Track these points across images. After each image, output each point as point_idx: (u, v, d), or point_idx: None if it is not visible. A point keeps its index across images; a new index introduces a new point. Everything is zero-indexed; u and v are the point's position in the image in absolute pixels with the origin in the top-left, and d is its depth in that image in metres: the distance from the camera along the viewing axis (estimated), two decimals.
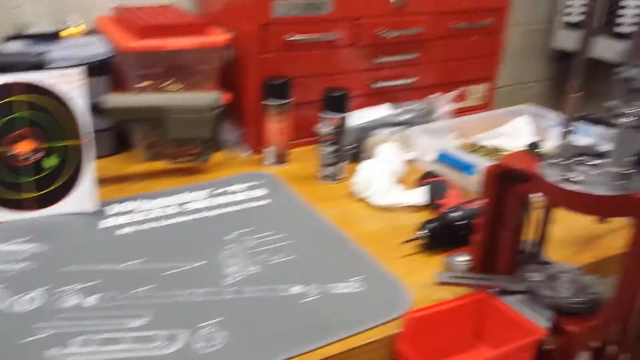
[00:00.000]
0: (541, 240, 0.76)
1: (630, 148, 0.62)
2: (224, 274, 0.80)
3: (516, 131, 1.24)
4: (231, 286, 0.77)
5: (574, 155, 0.67)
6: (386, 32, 1.20)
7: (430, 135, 1.16)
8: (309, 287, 0.77)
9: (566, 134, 0.67)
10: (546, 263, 0.76)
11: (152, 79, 1.08)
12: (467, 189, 1.00)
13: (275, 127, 1.10)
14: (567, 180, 0.64)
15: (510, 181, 0.71)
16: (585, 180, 0.64)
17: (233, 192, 1.02)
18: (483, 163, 1.03)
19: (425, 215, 0.95)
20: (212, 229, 0.91)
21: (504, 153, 1.17)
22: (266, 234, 0.89)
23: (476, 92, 1.39)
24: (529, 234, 0.77)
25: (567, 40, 1.77)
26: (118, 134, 1.15)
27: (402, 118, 1.19)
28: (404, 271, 0.81)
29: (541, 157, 0.70)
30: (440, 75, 1.33)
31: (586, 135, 1.16)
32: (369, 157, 1.12)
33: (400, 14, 1.21)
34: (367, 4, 1.18)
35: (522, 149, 0.74)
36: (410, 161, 1.15)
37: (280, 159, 1.14)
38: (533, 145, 0.73)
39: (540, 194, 0.68)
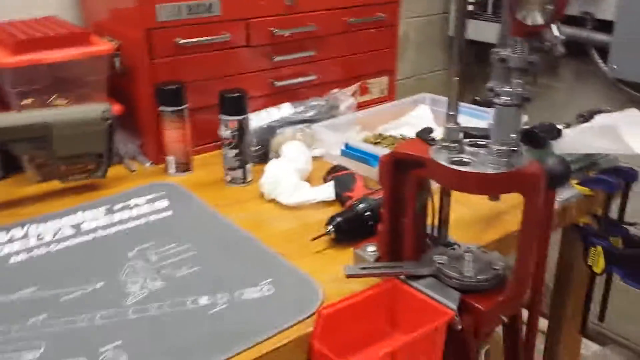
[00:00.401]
0: (443, 222, 0.77)
1: (511, 126, 0.63)
2: (125, 293, 0.75)
3: (418, 119, 1.27)
4: (134, 305, 0.73)
5: (462, 137, 0.69)
6: (280, 31, 1.19)
7: (334, 131, 1.16)
8: (217, 297, 0.74)
9: (452, 117, 0.68)
10: (451, 245, 0.77)
11: (35, 95, 1.01)
12: (374, 180, 1.01)
13: (173, 134, 1.06)
14: (457, 161, 0.65)
15: (405, 168, 0.71)
16: (473, 160, 0.65)
17: (133, 207, 0.97)
18: (383, 151, 1.04)
19: (334, 210, 0.94)
20: (112, 247, 0.86)
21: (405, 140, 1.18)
22: (170, 246, 0.85)
23: (377, 85, 1.41)
24: (433, 218, 0.77)
25: None
26: (5, 156, 1.07)
27: (306, 115, 1.18)
28: (314, 268, 0.80)
29: (433, 142, 0.71)
30: (340, 71, 1.33)
31: (480, 118, 1.20)
32: (275, 157, 1.10)
33: (292, 12, 1.20)
34: (258, 4, 1.16)
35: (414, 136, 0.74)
36: (317, 158, 1.14)
37: (183, 167, 1.10)
38: (425, 131, 0.73)
39: (434, 177, 0.69)
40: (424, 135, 0.73)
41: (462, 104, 1.29)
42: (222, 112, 1.01)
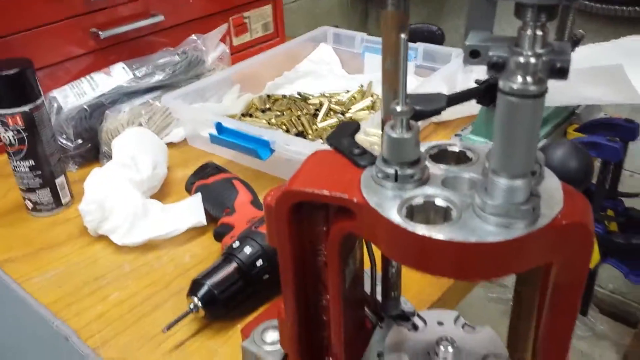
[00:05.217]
0: (393, 282, 0.44)
1: (530, 133, 0.29)
2: None
3: (319, 66, 0.90)
4: None
5: (424, 152, 0.34)
6: None
7: (201, 99, 0.77)
8: None
9: (400, 113, 0.32)
10: (407, 316, 0.44)
11: None
12: (266, 184, 0.65)
13: None
14: (419, 211, 0.31)
15: (316, 215, 0.36)
16: (454, 205, 0.31)
17: None
18: (283, 136, 0.68)
19: (206, 240, 0.59)
20: None
21: (312, 101, 0.82)
22: None
23: (258, 18, 1.01)
24: (372, 270, 0.43)
25: None
26: None
27: (153, 80, 0.78)
28: None
29: (364, 161, 0.36)
30: (200, 4, 0.92)
31: None
32: (108, 156, 0.71)
33: None
34: None
35: (324, 143, 0.39)
36: (177, 145, 0.76)
37: None
38: (344, 133, 0.38)
39: (373, 240, 0.34)
40: (346, 144, 0.37)
41: (366, 37, 0.94)
42: None
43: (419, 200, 0.32)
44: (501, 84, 0.27)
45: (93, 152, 0.74)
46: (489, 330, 0.42)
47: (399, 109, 0.32)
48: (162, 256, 0.58)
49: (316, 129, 0.76)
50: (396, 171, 0.32)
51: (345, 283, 0.39)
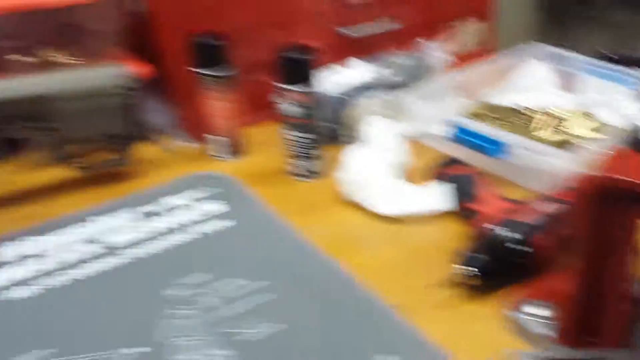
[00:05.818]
0: None
1: None
2: None
3: (534, 82, 0.96)
4: None
5: None
6: None
7: (431, 101, 0.86)
8: None
9: None
10: None
11: (23, 51, 0.72)
12: (499, 183, 0.72)
13: (218, 105, 0.77)
14: None
15: (615, 202, 0.43)
16: None
17: (172, 210, 0.69)
18: (514, 138, 0.75)
19: (453, 226, 0.67)
20: (145, 280, 0.58)
21: (526, 114, 0.89)
22: (235, 284, 0.58)
23: (471, 30, 1.09)
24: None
25: None
26: None
27: (388, 78, 0.88)
28: (446, 334, 0.53)
29: None
30: (423, 11, 1.01)
31: (617, 81, 0.90)
32: (351, 139, 0.82)
33: None
34: None
35: (618, 143, 0.46)
36: (411, 141, 0.85)
37: (234, 149, 0.81)
38: (634, 135, 0.45)
39: None
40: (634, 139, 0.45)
41: (576, 57, 0.98)
42: (283, 79, 0.71)
43: None
44: None
45: (333, 135, 0.84)
46: None
47: None
48: (413, 229, 0.68)
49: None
50: None
51: (625, 266, 0.46)
